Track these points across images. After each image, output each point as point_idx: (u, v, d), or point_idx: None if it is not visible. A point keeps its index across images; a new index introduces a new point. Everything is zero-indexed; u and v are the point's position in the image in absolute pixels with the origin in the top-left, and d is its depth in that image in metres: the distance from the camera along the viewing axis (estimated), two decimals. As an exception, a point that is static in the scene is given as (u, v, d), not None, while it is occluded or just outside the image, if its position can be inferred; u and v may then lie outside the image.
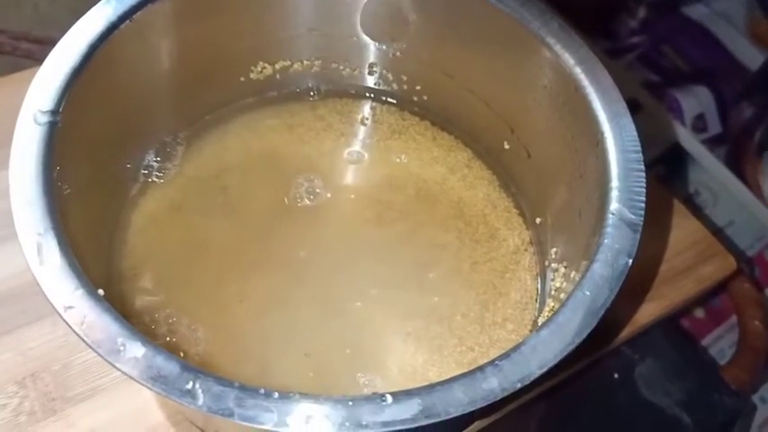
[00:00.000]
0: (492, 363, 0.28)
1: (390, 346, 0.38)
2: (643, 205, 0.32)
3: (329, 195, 0.43)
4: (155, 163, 0.42)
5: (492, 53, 0.41)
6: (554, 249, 0.40)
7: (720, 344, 0.68)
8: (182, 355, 0.36)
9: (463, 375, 0.27)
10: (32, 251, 0.28)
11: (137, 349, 0.26)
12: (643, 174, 0.34)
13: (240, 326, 0.38)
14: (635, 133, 0.35)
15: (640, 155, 0.34)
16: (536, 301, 0.40)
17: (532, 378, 0.27)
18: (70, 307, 0.27)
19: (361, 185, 0.44)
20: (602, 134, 0.35)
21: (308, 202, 0.43)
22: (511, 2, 0.38)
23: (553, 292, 0.38)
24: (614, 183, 0.33)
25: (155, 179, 0.41)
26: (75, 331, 0.26)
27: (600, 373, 0.49)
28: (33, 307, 0.40)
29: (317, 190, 0.43)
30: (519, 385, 0.27)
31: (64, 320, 0.27)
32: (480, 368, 0.27)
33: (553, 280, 0.39)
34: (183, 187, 0.42)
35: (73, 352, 0.39)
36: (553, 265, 0.39)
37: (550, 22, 0.38)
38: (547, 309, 0.38)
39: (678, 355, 0.51)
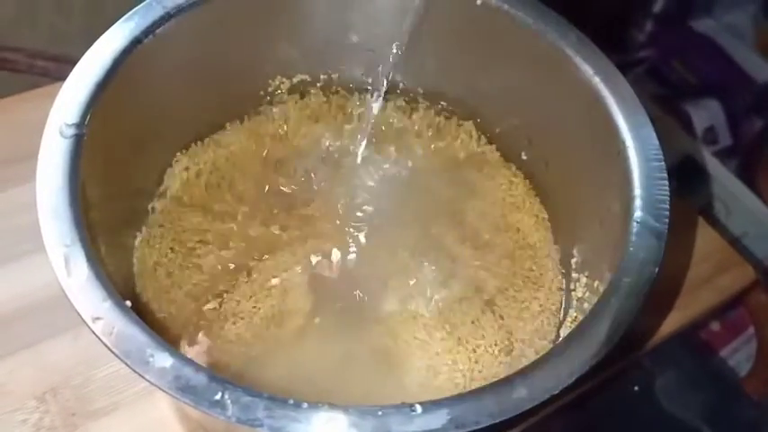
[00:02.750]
0: (521, 373, 0.28)
1: (412, 358, 0.38)
2: (667, 213, 0.32)
3: (346, 200, 0.43)
4: (176, 170, 0.42)
5: (509, 65, 0.41)
6: (574, 259, 0.40)
7: (737, 356, 0.67)
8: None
9: (492, 385, 0.27)
10: (60, 263, 0.28)
11: (165, 360, 0.26)
12: (666, 182, 0.33)
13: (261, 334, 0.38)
14: (656, 141, 0.35)
15: (662, 163, 0.34)
16: (559, 311, 0.40)
17: (562, 387, 0.27)
18: (98, 318, 0.27)
19: (380, 191, 0.45)
20: (623, 143, 0.35)
21: (325, 204, 0.43)
22: (529, 13, 0.39)
23: (575, 302, 0.38)
24: (637, 191, 0.33)
25: (175, 187, 0.42)
26: (103, 342, 0.26)
27: (620, 385, 0.48)
28: (53, 321, 0.40)
29: (334, 194, 0.43)
30: (548, 395, 0.27)
31: (92, 331, 0.27)
32: (509, 378, 0.27)
33: (574, 290, 0.39)
34: (202, 194, 0.42)
35: (93, 366, 0.39)
36: (574, 275, 0.39)
37: (568, 33, 0.38)
38: (569, 319, 0.38)
39: (698, 367, 0.51)
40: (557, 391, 0.27)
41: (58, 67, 0.63)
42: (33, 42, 0.68)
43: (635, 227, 0.32)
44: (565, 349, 0.28)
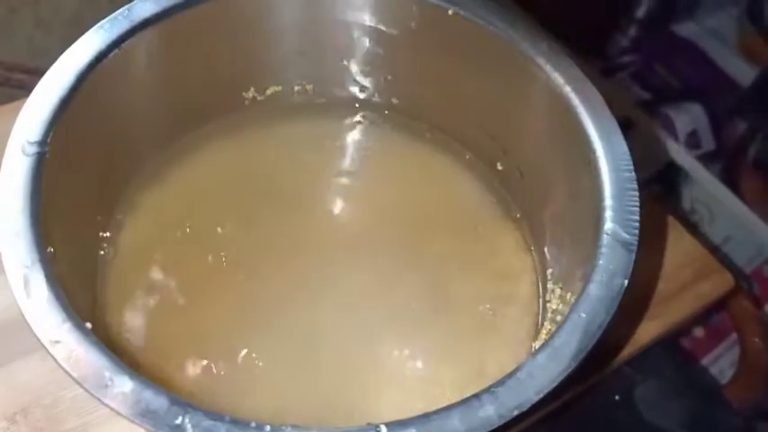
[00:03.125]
0: (488, 390, 0.27)
1: (384, 377, 0.38)
2: (637, 225, 0.32)
3: (320, 220, 0.43)
4: (140, 189, 0.41)
5: (482, 74, 0.41)
6: (550, 270, 0.40)
7: (721, 363, 0.67)
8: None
9: (460, 403, 0.27)
10: (19, 284, 0.28)
11: (124, 384, 0.26)
12: (636, 192, 0.33)
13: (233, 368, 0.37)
14: (627, 151, 0.35)
15: (633, 173, 0.34)
16: (535, 323, 0.40)
17: (530, 404, 0.27)
18: (57, 341, 0.26)
19: (355, 209, 0.44)
20: (593, 153, 0.35)
21: (298, 227, 0.42)
22: (500, 23, 0.38)
23: (549, 315, 0.38)
24: (608, 202, 0.33)
25: (141, 205, 0.41)
26: (61, 366, 0.26)
27: (600, 394, 0.48)
28: (24, 340, 0.39)
29: (308, 215, 0.43)
30: (516, 412, 0.27)
31: (50, 355, 0.26)
32: (476, 395, 0.27)
33: (549, 302, 0.39)
34: (169, 213, 0.41)
35: (63, 386, 0.39)
36: (549, 285, 0.39)
37: (540, 42, 0.38)
38: (544, 332, 0.38)
39: (679, 375, 0.51)
40: (525, 409, 0.27)
41: (34, 80, 0.62)
42: (11, 55, 0.67)
43: (605, 238, 0.32)
44: (533, 365, 0.28)
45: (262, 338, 0.38)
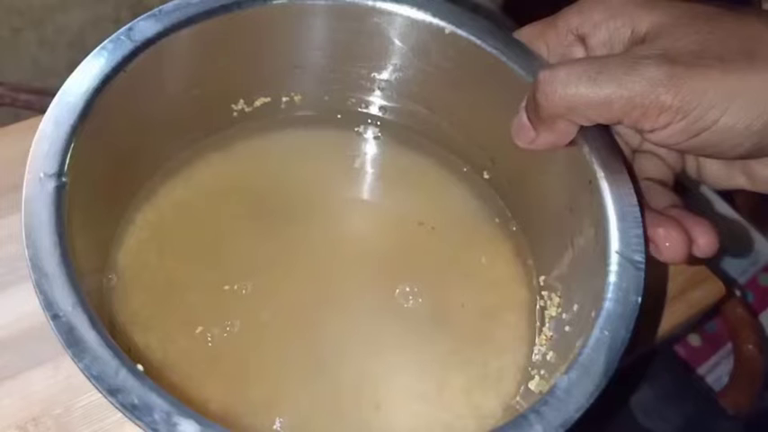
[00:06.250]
0: (533, 409, 0.28)
1: (392, 378, 0.39)
2: (642, 243, 0.33)
3: (320, 232, 0.44)
4: (139, 207, 0.42)
5: (475, 89, 0.42)
6: (543, 277, 0.41)
7: (718, 371, 0.68)
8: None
9: (509, 424, 0.28)
10: (63, 333, 0.28)
11: (191, 427, 0.26)
12: (638, 210, 0.34)
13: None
14: (624, 168, 0.35)
15: (632, 189, 0.35)
16: (531, 329, 0.41)
17: (572, 422, 0.28)
18: (118, 390, 0.27)
19: (352, 221, 0.45)
20: (593, 173, 0.35)
21: (299, 240, 0.43)
22: (495, 43, 0.39)
23: (549, 322, 0.39)
24: (612, 223, 0.34)
25: (139, 223, 0.41)
26: (127, 415, 0.26)
27: (596, 401, 0.49)
28: (36, 351, 0.40)
29: (309, 227, 0.44)
30: (562, 430, 0.28)
31: (113, 405, 0.27)
32: (523, 415, 0.28)
33: (546, 309, 0.40)
34: (167, 229, 0.42)
35: (74, 395, 0.39)
36: (544, 292, 0.40)
37: (533, 62, 0.39)
38: (544, 337, 0.38)
39: (674, 381, 0.52)
40: (568, 426, 0.28)
41: (40, 100, 0.63)
42: (16, 76, 0.69)
43: (615, 257, 0.33)
44: (568, 384, 0.29)
45: (270, 354, 0.39)
